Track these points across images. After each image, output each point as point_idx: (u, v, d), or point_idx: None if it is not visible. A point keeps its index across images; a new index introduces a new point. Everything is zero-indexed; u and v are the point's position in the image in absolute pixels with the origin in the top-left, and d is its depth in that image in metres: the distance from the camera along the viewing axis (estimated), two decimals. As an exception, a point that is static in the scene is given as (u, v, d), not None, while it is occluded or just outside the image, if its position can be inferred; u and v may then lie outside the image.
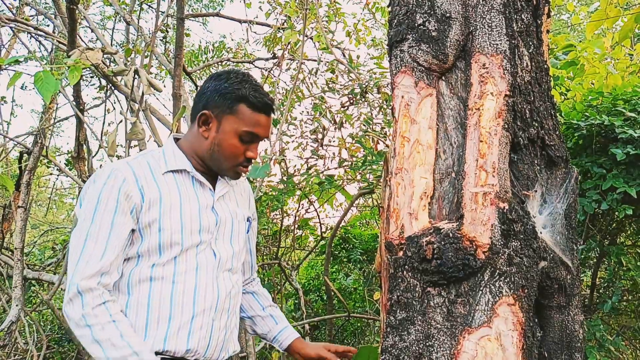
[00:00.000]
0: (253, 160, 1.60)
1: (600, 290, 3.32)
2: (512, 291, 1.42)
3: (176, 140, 1.61)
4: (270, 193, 4.09)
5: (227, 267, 1.57)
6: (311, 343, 1.81)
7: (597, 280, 3.29)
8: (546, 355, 1.51)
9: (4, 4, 4.45)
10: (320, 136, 4.23)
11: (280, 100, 4.82)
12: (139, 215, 1.44)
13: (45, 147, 3.44)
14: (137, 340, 1.36)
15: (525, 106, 1.60)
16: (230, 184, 1.66)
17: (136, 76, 2.91)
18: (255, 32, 5.40)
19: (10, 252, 4.37)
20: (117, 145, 3.97)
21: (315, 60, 4.97)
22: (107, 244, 1.38)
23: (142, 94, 2.93)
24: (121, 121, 3.15)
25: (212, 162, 1.55)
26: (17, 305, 3.28)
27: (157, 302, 1.44)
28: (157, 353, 1.41)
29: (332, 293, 4.18)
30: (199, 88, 1.63)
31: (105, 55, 3.33)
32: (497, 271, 1.43)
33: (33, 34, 4.05)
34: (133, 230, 1.44)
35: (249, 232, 1.73)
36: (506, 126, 1.52)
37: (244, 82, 1.52)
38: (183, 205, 1.49)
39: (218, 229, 1.56)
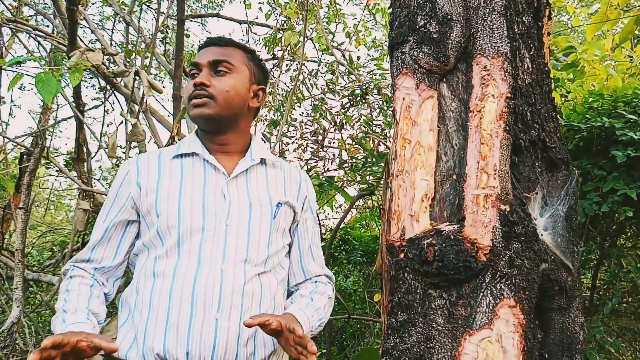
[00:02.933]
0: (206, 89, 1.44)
1: (601, 292, 3.32)
2: (513, 293, 1.42)
3: None
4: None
5: (240, 257, 1.39)
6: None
7: (598, 282, 3.29)
8: (547, 357, 1.51)
9: (3, 4, 4.44)
10: (320, 137, 4.23)
11: (280, 102, 4.82)
12: (138, 204, 1.44)
13: (45, 148, 3.43)
14: (72, 304, 1.35)
15: (526, 108, 1.60)
16: (257, 164, 1.53)
17: (136, 77, 2.91)
18: (255, 33, 5.40)
19: (9, 254, 4.36)
20: (117, 147, 3.97)
21: (315, 62, 4.97)
22: (94, 235, 1.47)
23: (143, 95, 2.93)
24: (121, 122, 3.15)
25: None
26: (18, 307, 3.28)
27: (157, 298, 1.34)
28: (158, 357, 1.31)
29: (332, 294, 4.16)
30: None
31: (105, 56, 3.33)
32: (498, 273, 1.43)
33: (32, 35, 4.04)
34: (130, 223, 1.47)
35: (276, 218, 1.49)
36: (507, 128, 1.52)
37: None
38: (183, 188, 1.41)
39: (229, 214, 1.41)
